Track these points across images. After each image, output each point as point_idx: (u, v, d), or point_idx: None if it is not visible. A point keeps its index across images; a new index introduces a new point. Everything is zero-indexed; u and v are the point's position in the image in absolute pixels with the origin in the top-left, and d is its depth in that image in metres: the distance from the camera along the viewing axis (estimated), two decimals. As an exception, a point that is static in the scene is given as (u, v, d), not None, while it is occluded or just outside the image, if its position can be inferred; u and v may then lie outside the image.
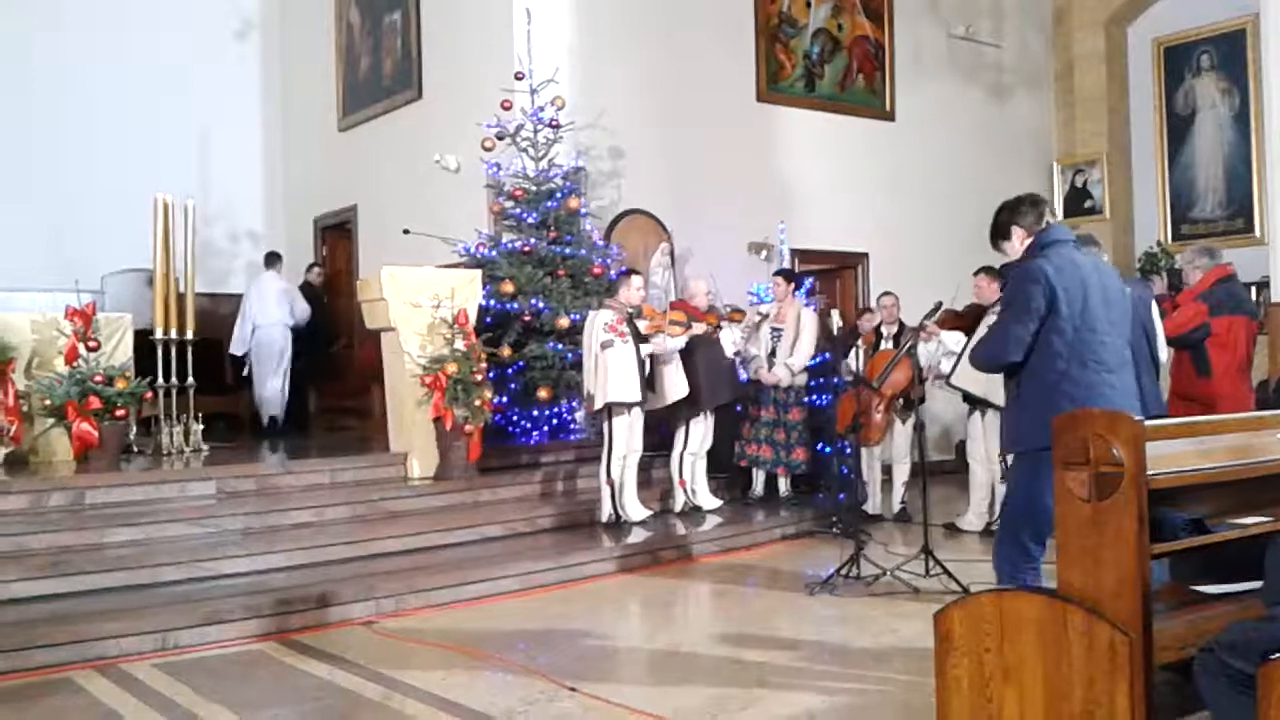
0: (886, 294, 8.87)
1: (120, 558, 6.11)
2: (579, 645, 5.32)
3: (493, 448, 8.17)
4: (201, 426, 8.33)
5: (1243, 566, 3.41)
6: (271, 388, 10.95)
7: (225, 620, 5.49)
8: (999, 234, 4.43)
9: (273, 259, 11.26)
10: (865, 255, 11.80)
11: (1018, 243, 4.29)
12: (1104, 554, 3.13)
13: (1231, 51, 12.66)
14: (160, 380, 8.07)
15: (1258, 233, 11.92)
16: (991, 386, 7.89)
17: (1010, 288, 4.21)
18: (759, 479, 8.97)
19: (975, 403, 8.05)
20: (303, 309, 11.10)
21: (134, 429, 8.01)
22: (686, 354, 8.14)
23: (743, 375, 8.81)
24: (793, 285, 8.95)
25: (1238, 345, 6.43)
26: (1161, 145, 13.38)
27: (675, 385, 8.10)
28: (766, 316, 8.81)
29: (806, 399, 8.93)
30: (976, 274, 8.19)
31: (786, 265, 10.30)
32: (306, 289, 11.56)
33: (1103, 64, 13.44)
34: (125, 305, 9.88)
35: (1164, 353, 6.02)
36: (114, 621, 5.30)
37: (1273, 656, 2.62)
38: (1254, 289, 9.96)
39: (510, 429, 9.02)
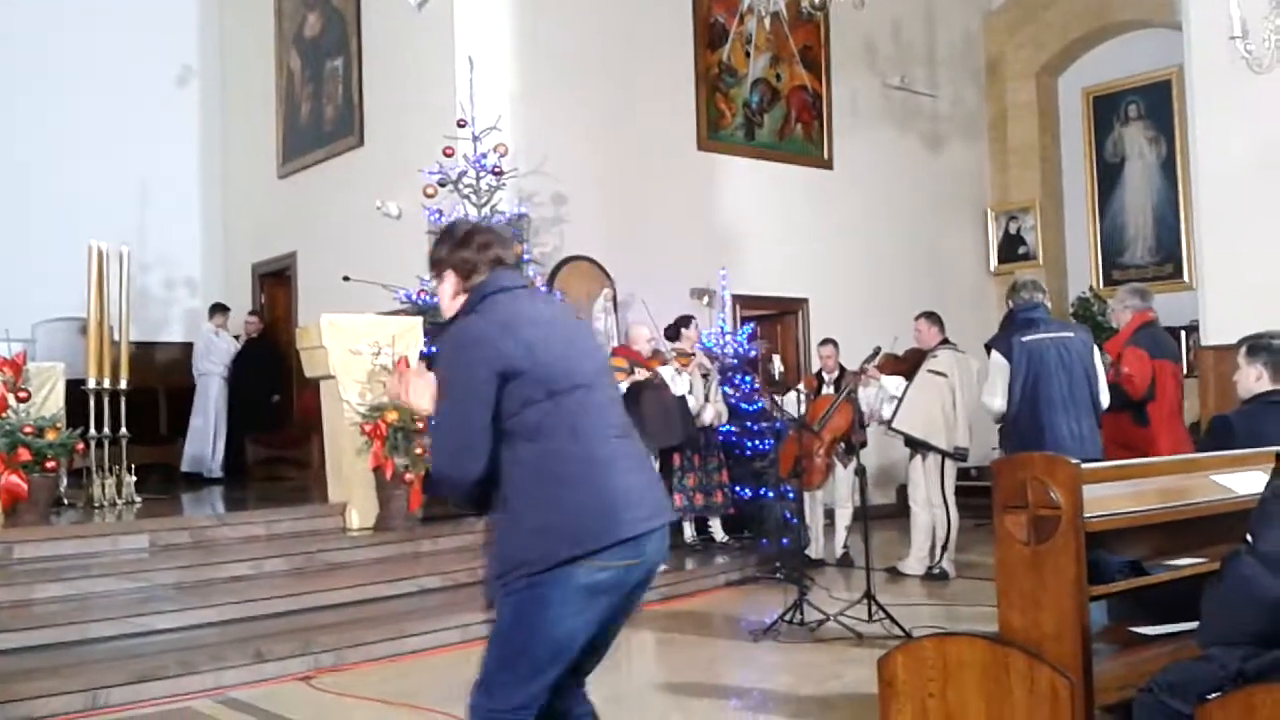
0: (825, 342, 8.92)
1: (49, 614, 5.94)
2: (522, 697, 5.23)
3: (433, 497, 8.09)
4: (134, 478, 8.15)
5: (1179, 607, 3.46)
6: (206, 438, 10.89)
7: (158, 677, 5.34)
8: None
9: (212, 310, 11.30)
10: (805, 300, 11.91)
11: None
12: (1043, 596, 3.16)
13: (1158, 101, 13.03)
14: (92, 431, 7.90)
15: (1186, 278, 12.20)
16: (932, 429, 8.00)
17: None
18: (688, 527, 8.92)
19: (916, 446, 8.12)
20: (220, 352, 11.27)
21: (65, 481, 7.82)
22: (632, 399, 8.13)
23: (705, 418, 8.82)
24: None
25: (1166, 391, 6.53)
26: (1092, 192, 13.69)
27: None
28: (715, 360, 8.87)
29: (737, 440, 8.98)
30: (917, 318, 8.31)
31: (728, 310, 10.38)
32: (238, 339, 11.59)
33: (1034, 113, 13.75)
34: (57, 354, 9.68)
35: (1105, 397, 6.06)
36: (42, 680, 5.14)
37: (1210, 697, 2.66)
38: (1183, 333, 10.18)
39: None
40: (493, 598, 2.76)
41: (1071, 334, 6.06)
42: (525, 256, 9.27)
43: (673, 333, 8.96)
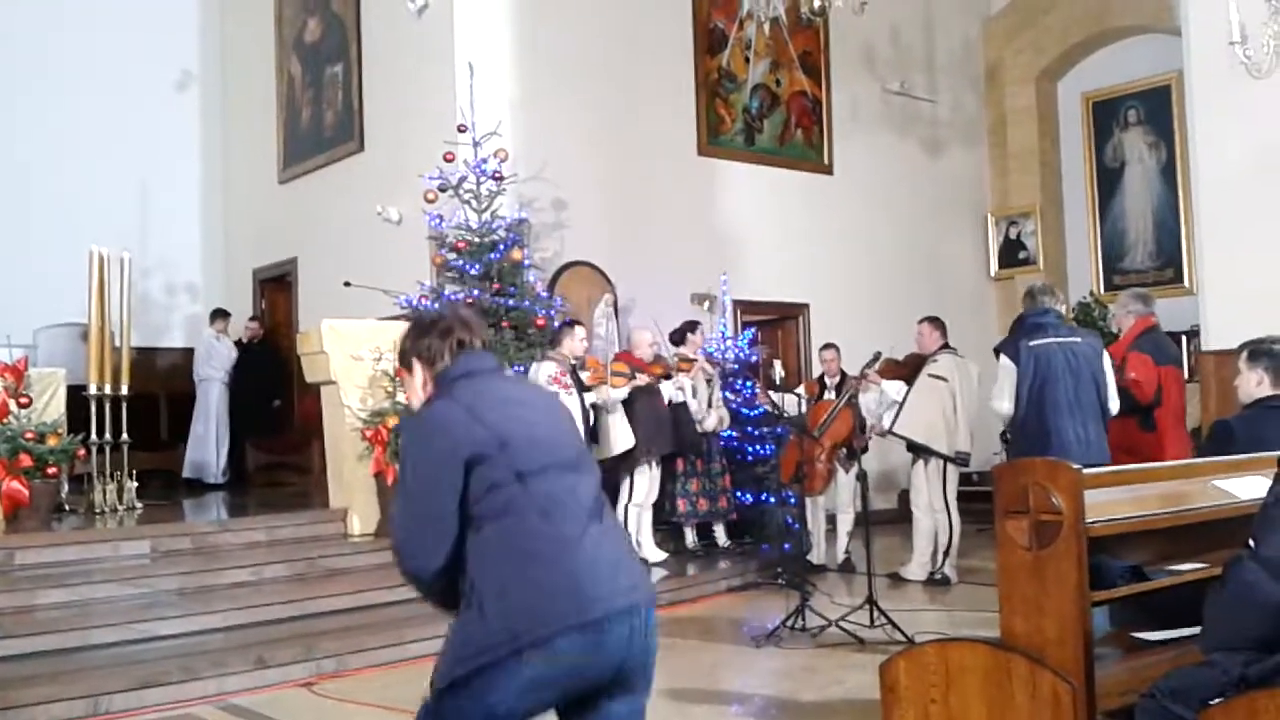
0: (827, 347, 8.93)
1: (51, 620, 5.94)
2: (524, 702, 5.23)
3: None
4: (136, 484, 8.15)
5: (1181, 613, 3.46)
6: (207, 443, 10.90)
7: (160, 684, 5.34)
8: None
9: (212, 315, 11.31)
10: (806, 306, 11.91)
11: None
12: (1045, 602, 3.16)
13: (1158, 106, 13.04)
14: (94, 437, 7.91)
15: (1186, 282, 12.20)
16: (933, 434, 8.00)
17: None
18: (689, 532, 8.93)
19: (919, 451, 8.12)
20: (221, 357, 11.29)
21: (66, 487, 7.83)
22: (627, 405, 8.14)
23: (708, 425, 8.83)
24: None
25: (1170, 396, 6.54)
26: (1092, 197, 13.70)
27: (620, 436, 8.09)
28: (717, 366, 8.88)
29: (739, 445, 9.00)
30: (920, 322, 8.32)
31: (728, 315, 10.40)
32: (240, 344, 11.58)
33: (1034, 119, 13.76)
34: (58, 360, 9.70)
35: (1115, 403, 6.04)
36: (43, 686, 5.14)
37: (1212, 702, 2.66)
38: (1184, 338, 10.18)
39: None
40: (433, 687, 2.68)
41: (1079, 339, 6.04)
42: (526, 262, 9.28)
43: (678, 337, 8.97)
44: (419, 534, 2.62)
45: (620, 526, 2.92)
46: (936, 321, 8.27)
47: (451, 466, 2.58)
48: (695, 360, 8.70)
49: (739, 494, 9.06)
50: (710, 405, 8.82)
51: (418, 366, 2.82)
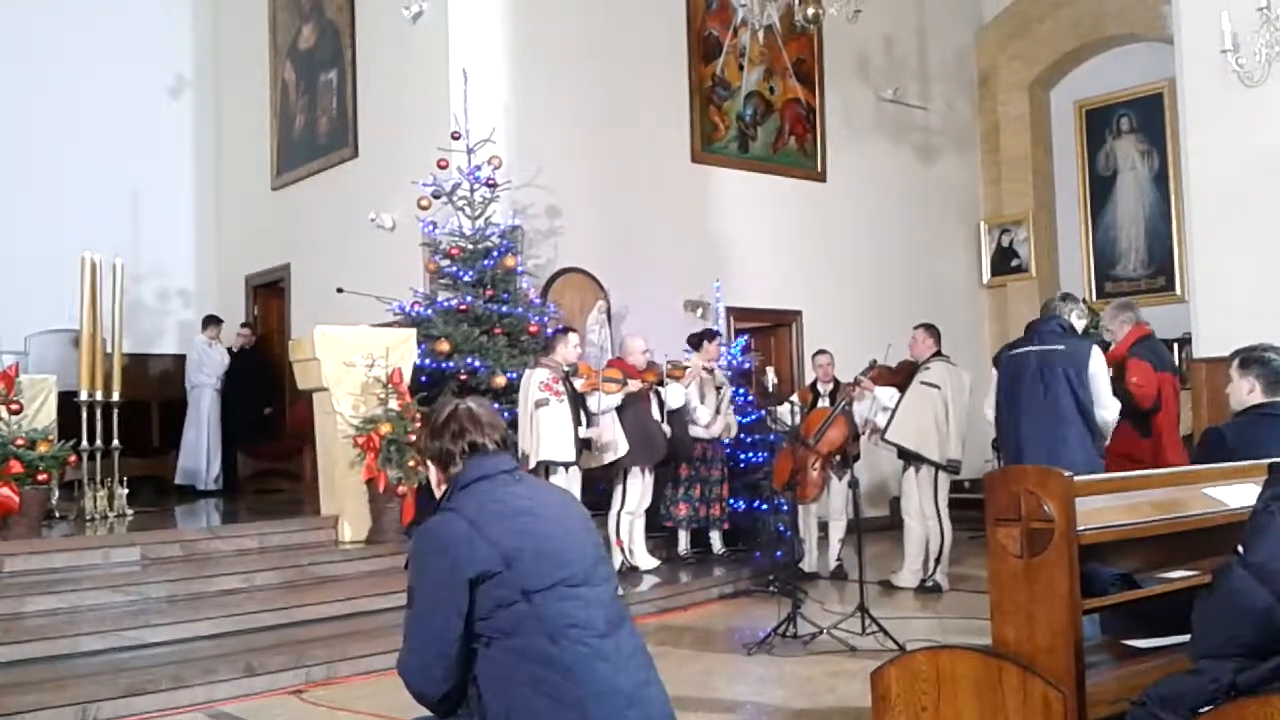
0: (821, 352, 8.95)
1: (40, 627, 5.91)
2: (515, 710, 5.22)
3: (427, 510, 8.06)
4: (126, 490, 8.12)
5: (1171, 620, 3.46)
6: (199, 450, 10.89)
7: (149, 691, 5.32)
8: None
9: (205, 322, 11.31)
10: (799, 313, 11.92)
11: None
12: (1036, 609, 3.16)
13: (1150, 114, 13.08)
14: (85, 443, 7.88)
15: (1178, 290, 12.23)
16: (925, 441, 8.00)
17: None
18: (684, 538, 8.93)
19: (909, 458, 8.12)
20: (213, 364, 11.33)
21: (56, 494, 7.80)
22: (620, 413, 8.14)
23: (698, 431, 8.82)
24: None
25: (1168, 403, 6.54)
26: (1084, 205, 13.73)
27: (613, 443, 8.08)
28: (712, 372, 8.87)
29: (738, 454, 9.00)
30: (916, 329, 8.33)
31: (721, 322, 10.40)
32: (232, 351, 11.57)
33: (1027, 126, 13.80)
34: (49, 366, 9.67)
35: (1107, 410, 5.92)
36: (32, 694, 5.12)
37: (1202, 710, 2.65)
38: (1175, 346, 10.20)
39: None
40: None
41: (1062, 346, 5.96)
42: (519, 269, 9.28)
43: (695, 342, 9.01)
44: (422, 654, 2.59)
45: (640, 641, 2.75)
46: (931, 329, 8.28)
47: (454, 587, 2.53)
48: (688, 367, 8.69)
49: (732, 501, 9.06)
50: (719, 412, 8.84)
51: (433, 467, 2.82)
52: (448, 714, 2.65)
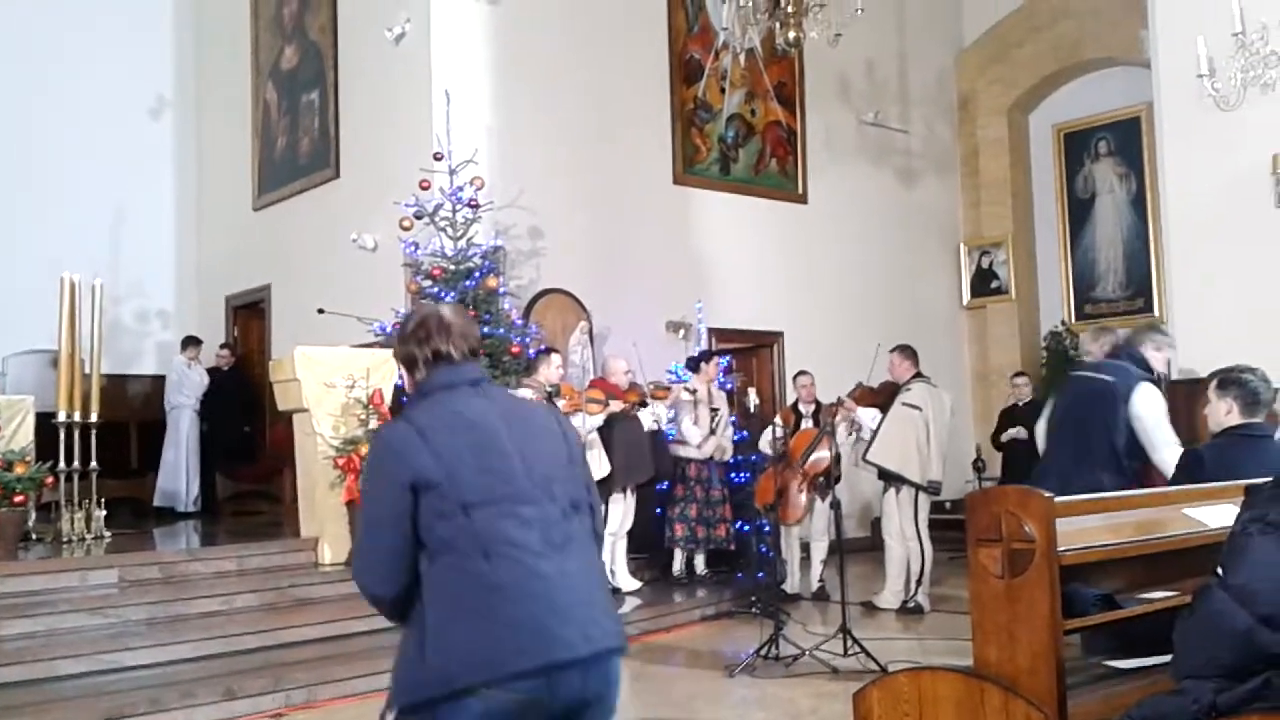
0: (803, 373, 8.98)
1: (16, 651, 5.85)
2: (496, 733, 5.19)
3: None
4: (104, 512, 8.06)
5: (1153, 641, 3.46)
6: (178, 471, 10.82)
7: (127, 715, 5.27)
8: None
9: (184, 343, 11.25)
10: (780, 334, 11.95)
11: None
12: (1018, 630, 3.16)
13: (1127, 137, 13.21)
14: (62, 464, 7.82)
15: (1157, 312, 12.31)
16: (906, 462, 8.02)
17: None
18: (679, 558, 8.94)
19: (889, 479, 8.14)
20: (192, 385, 11.25)
21: (33, 515, 7.73)
22: (604, 433, 8.14)
23: (689, 452, 8.84)
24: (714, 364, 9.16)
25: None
26: (1063, 227, 13.83)
27: (595, 464, 8.07)
28: (695, 392, 8.88)
29: (729, 475, 9.02)
30: (891, 351, 8.36)
31: (704, 344, 10.41)
32: (213, 371, 11.52)
33: (1006, 149, 13.91)
34: (27, 387, 9.60)
35: (1164, 450, 5.72)
36: (9, 719, 5.05)
37: (1184, 731, 2.66)
38: (1154, 367, 10.25)
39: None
40: None
41: (1110, 377, 5.44)
42: (501, 290, 9.28)
43: (693, 364, 9.07)
44: (371, 556, 2.59)
45: (594, 562, 2.68)
46: (908, 350, 8.32)
47: (397, 492, 2.51)
48: (670, 389, 8.70)
49: (738, 524, 9.04)
50: (714, 432, 8.86)
51: (404, 371, 2.77)
52: (402, 618, 2.64)
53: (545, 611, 2.49)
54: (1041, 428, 5.87)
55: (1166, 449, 5.17)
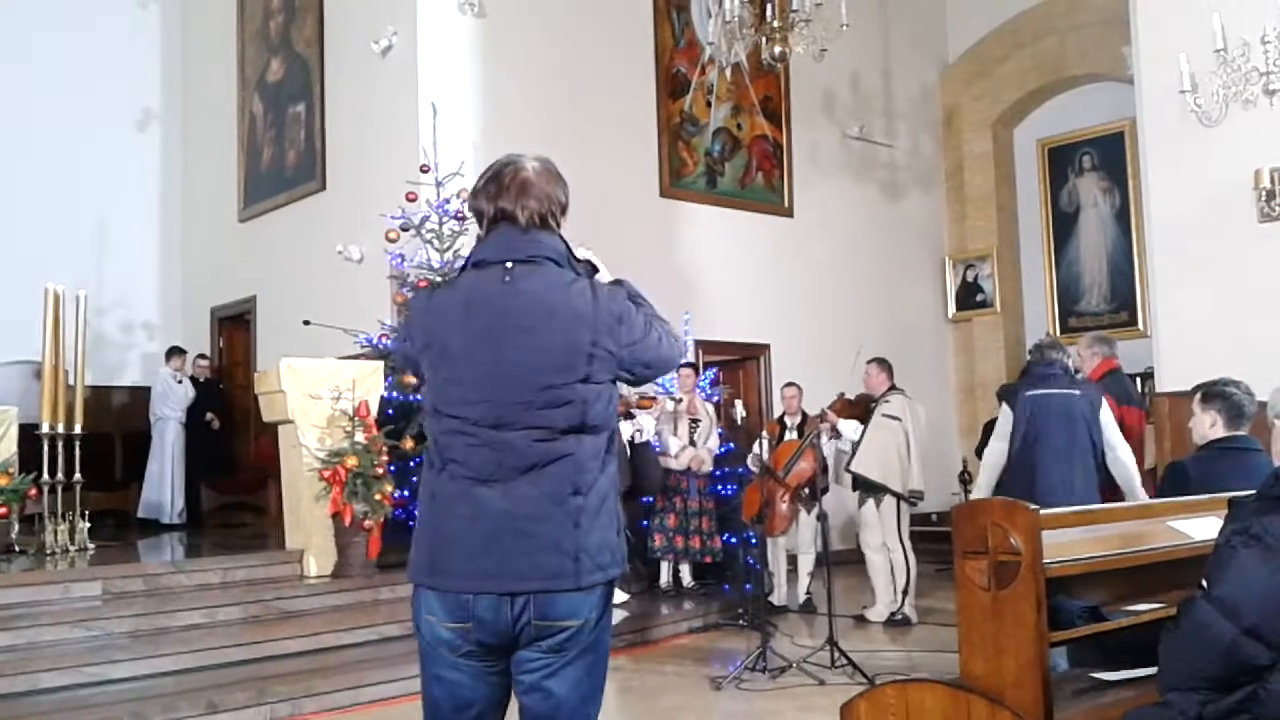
0: (789, 385, 9.00)
1: (-3, 664, 5.81)
2: (482, 747, 5.17)
3: (393, 543, 8.00)
4: (88, 524, 8.00)
5: (1139, 653, 3.47)
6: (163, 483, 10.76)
7: (109, 729, 5.23)
8: None
9: (168, 354, 11.19)
10: (767, 346, 11.97)
11: None
12: (1004, 642, 3.16)
13: (1111, 152, 13.29)
14: (46, 476, 7.76)
15: (1140, 325, 12.38)
16: (889, 473, 8.05)
17: None
18: (665, 570, 8.94)
19: (869, 489, 8.16)
20: (177, 396, 11.15)
21: (16, 527, 7.68)
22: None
23: (670, 462, 8.84)
24: (698, 376, 9.16)
25: (1133, 437, 6.61)
26: (1048, 241, 13.91)
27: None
28: (680, 401, 8.89)
29: (712, 488, 9.02)
30: (869, 364, 8.42)
31: (690, 356, 10.42)
32: (194, 381, 11.49)
33: (991, 164, 13.98)
34: (10, 398, 9.52)
35: (1120, 449, 5.95)
36: (-13, 733, 5.02)
37: (1170, 743, 2.66)
38: (1139, 380, 10.32)
39: (411, 524, 8.81)
40: None
41: (1079, 392, 6.02)
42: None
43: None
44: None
45: (560, 493, 2.39)
46: (884, 363, 8.41)
47: (411, 354, 2.56)
48: (656, 399, 8.70)
49: (725, 536, 9.04)
50: (693, 443, 8.86)
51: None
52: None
53: (475, 537, 2.38)
54: (1004, 434, 5.97)
55: (1123, 447, 5.94)
